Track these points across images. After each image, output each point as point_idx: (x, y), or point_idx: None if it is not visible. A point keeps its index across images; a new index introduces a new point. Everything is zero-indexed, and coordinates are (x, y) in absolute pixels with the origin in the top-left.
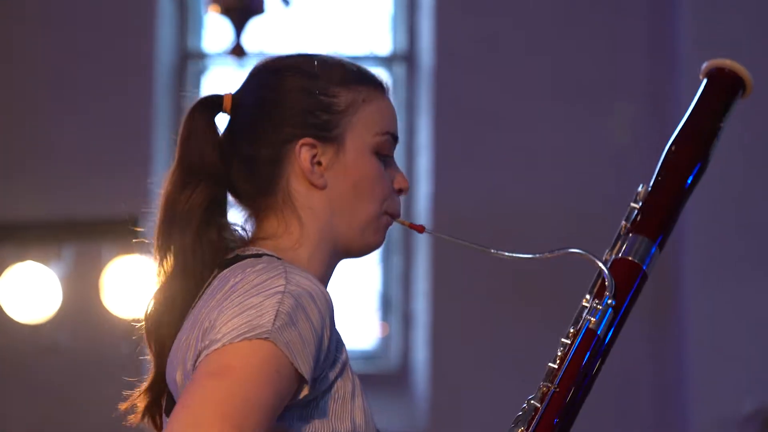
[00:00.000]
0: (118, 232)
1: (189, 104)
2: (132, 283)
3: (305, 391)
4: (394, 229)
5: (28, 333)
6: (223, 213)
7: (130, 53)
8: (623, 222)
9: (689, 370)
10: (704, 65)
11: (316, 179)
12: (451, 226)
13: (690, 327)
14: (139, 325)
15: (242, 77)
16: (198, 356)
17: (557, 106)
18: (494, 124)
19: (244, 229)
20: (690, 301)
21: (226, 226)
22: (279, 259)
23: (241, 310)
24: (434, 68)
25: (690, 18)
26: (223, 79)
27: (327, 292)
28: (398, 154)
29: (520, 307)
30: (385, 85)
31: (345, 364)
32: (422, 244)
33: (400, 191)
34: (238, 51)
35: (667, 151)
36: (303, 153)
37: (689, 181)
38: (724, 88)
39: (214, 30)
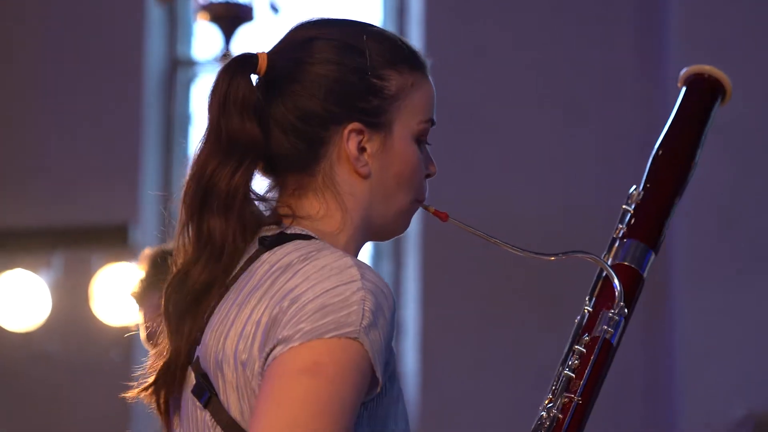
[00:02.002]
0: (108, 240)
1: (222, 63)
2: (121, 291)
3: (378, 389)
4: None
5: (18, 340)
6: (254, 190)
7: (120, 61)
8: (618, 224)
9: (680, 374)
10: (683, 71)
11: (361, 167)
12: (441, 231)
13: (680, 331)
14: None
15: (278, 38)
16: (274, 346)
17: (545, 112)
18: (483, 129)
19: (264, 199)
20: (680, 306)
21: (266, 202)
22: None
23: (322, 305)
24: None
25: (678, 24)
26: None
27: (392, 293)
28: None
29: (509, 315)
30: (427, 64)
31: (395, 367)
32: (412, 250)
33: (429, 175)
34: (227, 58)
35: (654, 156)
36: (351, 139)
37: (678, 187)
38: (705, 95)
39: (204, 37)
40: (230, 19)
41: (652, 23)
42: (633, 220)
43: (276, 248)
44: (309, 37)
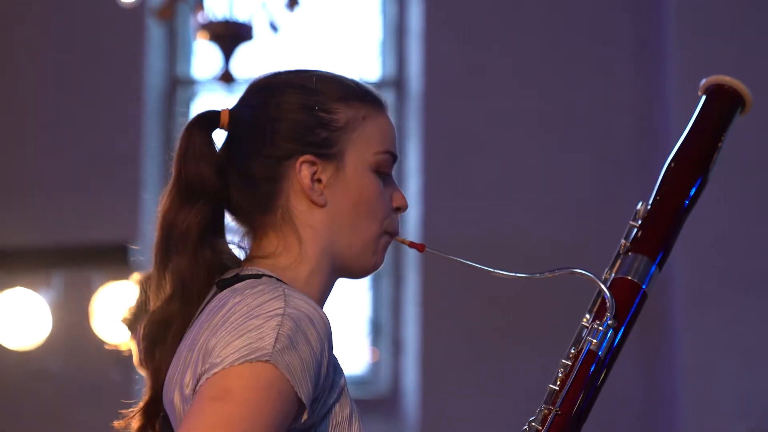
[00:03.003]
0: (108, 258)
1: (185, 121)
2: (122, 310)
3: (305, 416)
4: (385, 255)
5: (17, 359)
6: (220, 230)
7: (120, 79)
8: (623, 240)
9: (680, 392)
10: (703, 81)
11: (317, 197)
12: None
13: (680, 350)
14: (129, 347)
15: (238, 94)
16: (198, 380)
17: (544, 132)
18: (482, 149)
19: (240, 247)
20: (681, 324)
21: (222, 244)
22: (278, 280)
23: (240, 333)
24: (423, 94)
25: (676, 44)
26: (212, 105)
27: (326, 316)
28: None
29: (509, 333)
30: (384, 103)
31: (342, 389)
32: (412, 269)
33: (398, 209)
34: (227, 77)
35: (667, 167)
36: (303, 170)
37: (689, 199)
38: (724, 105)
39: (203, 56)
40: (230, 37)
41: (650, 46)
42: (638, 235)
43: (224, 290)
44: (264, 86)
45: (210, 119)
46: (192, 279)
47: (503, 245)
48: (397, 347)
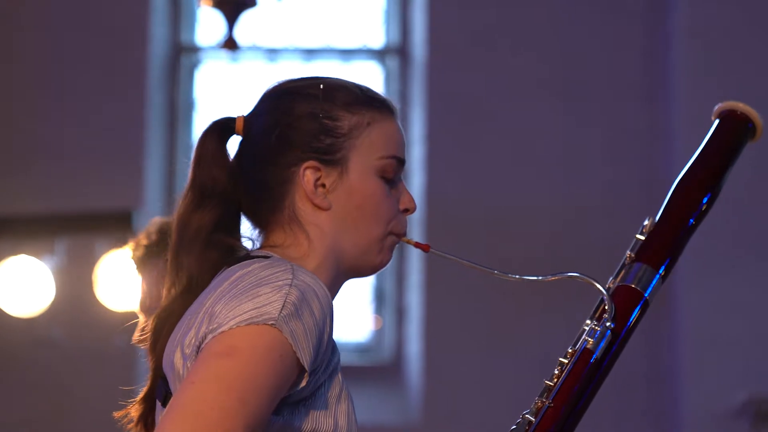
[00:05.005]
0: (112, 226)
1: (203, 127)
2: (125, 277)
3: (303, 382)
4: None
5: (21, 326)
6: (234, 231)
7: (124, 48)
8: (628, 252)
9: (682, 361)
10: (717, 107)
11: (320, 201)
12: (444, 218)
13: (683, 319)
14: (142, 336)
15: (255, 98)
16: (203, 339)
17: (548, 99)
18: (486, 116)
19: (252, 240)
20: (683, 293)
21: (235, 242)
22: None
23: (249, 298)
24: (427, 61)
25: (686, 9)
26: (216, 72)
27: (328, 295)
28: None
29: (513, 300)
30: (392, 108)
31: (336, 368)
32: (415, 237)
33: (406, 211)
34: (230, 44)
35: (676, 186)
36: (307, 175)
37: (694, 217)
38: (735, 130)
39: (207, 23)
40: (233, 4)
41: (660, 15)
42: (643, 246)
43: (234, 266)
44: (274, 95)
45: (225, 126)
46: (198, 277)
47: (507, 212)
48: (400, 315)
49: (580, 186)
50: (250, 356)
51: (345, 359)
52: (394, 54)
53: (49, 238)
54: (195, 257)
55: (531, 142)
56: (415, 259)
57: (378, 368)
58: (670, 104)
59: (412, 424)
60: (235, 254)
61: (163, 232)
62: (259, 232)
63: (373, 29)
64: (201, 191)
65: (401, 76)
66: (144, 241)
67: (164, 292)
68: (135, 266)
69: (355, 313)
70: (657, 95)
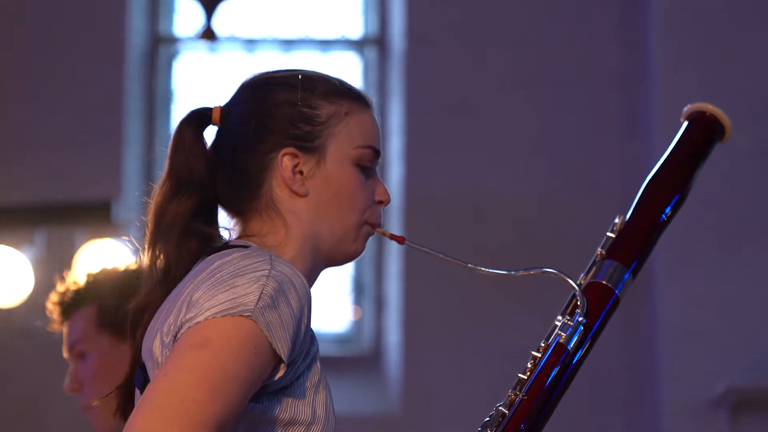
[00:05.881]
0: (91, 216)
1: (180, 117)
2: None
3: (281, 372)
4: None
5: (0, 317)
6: (211, 220)
7: (102, 38)
8: (599, 249)
9: (661, 352)
10: (686, 108)
11: (297, 187)
12: (422, 209)
13: (660, 312)
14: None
15: (233, 90)
16: (179, 329)
17: (529, 91)
18: (465, 107)
19: (229, 230)
20: (660, 287)
21: (212, 231)
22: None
23: (225, 288)
24: (405, 52)
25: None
26: (194, 63)
27: (306, 285)
28: None
29: (492, 291)
30: (368, 101)
31: (314, 358)
32: (394, 228)
33: (380, 203)
34: (209, 35)
35: (646, 185)
36: (285, 162)
37: (665, 215)
38: (704, 131)
39: (186, 14)
40: None
41: (636, 4)
42: (614, 244)
43: (212, 255)
44: (252, 85)
45: (202, 116)
46: (176, 266)
47: (485, 203)
48: (379, 305)
49: (558, 177)
50: (223, 348)
51: (324, 350)
52: (373, 45)
53: (28, 229)
54: (173, 245)
55: (509, 133)
56: (394, 249)
57: (357, 359)
58: (649, 94)
59: (391, 415)
60: (212, 243)
61: (90, 280)
62: (236, 222)
63: (352, 20)
64: (178, 180)
65: (379, 67)
66: (73, 287)
67: (144, 283)
68: (60, 313)
69: (334, 304)
70: (635, 85)
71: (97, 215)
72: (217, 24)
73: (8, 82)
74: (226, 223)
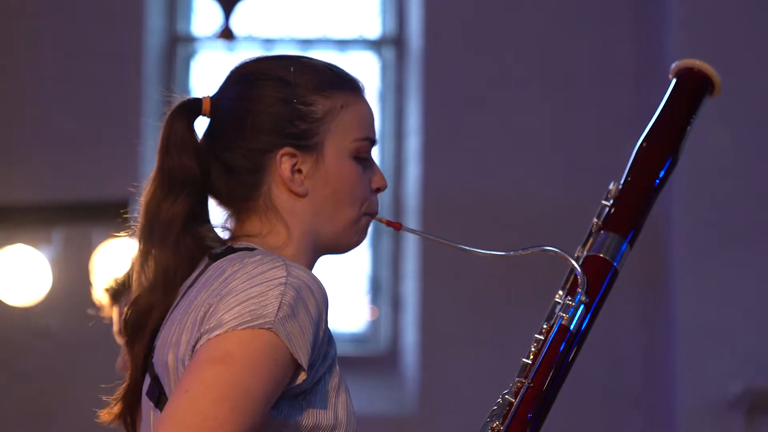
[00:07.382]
0: (108, 215)
1: (168, 109)
2: (122, 266)
3: (301, 378)
4: (383, 214)
5: (17, 316)
6: (204, 216)
7: (120, 37)
8: (595, 219)
9: (678, 352)
10: (673, 65)
11: (297, 187)
12: (440, 207)
13: (679, 309)
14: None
15: (221, 78)
16: (197, 341)
17: (545, 90)
18: (483, 107)
19: (225, 228)
20: (679, 283)
21: (206, 230)
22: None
23: (243, 299)
24: (423, 52)
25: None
26: (212, 62)
27: (324, 287)
28: (388, 137)
29: (509, 290)
30: (361, 87)
31: (333, 360)
32: (412, 225)
33: (377, 190)
34: (227, 34)
35: (638, 149)
36: (284, 162)
37: (659, 179)
38: (693, 88)
39: (204, 13)
40: None
41: (653, 5)
42: (610, 214)
43: (220, 260)
44: (243, 76)
45: (192, 107)
46: (175, 270)
47: (504, 201)
48: (396, 305)
49: (576, 173)
50: (244, 363)
51: (341, 350)
52: (390, 44)
53: (46, 228)
54: (170, 250)
55: (525, 131)
56: (411, 248)
57: (374, 358)
58: (664, 92)
59: (408, 414)
60: (207, 242)
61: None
62: (230, 215)
63: (370, 19)
64: (170, 178)
65: (397, 67)
66: (117, 276)
67: (134, 278)
68: (109, 299)
69: (351, 304)
70: (650, 83)
71: (115, 214)
72: (235, 23)
73: (27, 81)
74: (216, 216)
